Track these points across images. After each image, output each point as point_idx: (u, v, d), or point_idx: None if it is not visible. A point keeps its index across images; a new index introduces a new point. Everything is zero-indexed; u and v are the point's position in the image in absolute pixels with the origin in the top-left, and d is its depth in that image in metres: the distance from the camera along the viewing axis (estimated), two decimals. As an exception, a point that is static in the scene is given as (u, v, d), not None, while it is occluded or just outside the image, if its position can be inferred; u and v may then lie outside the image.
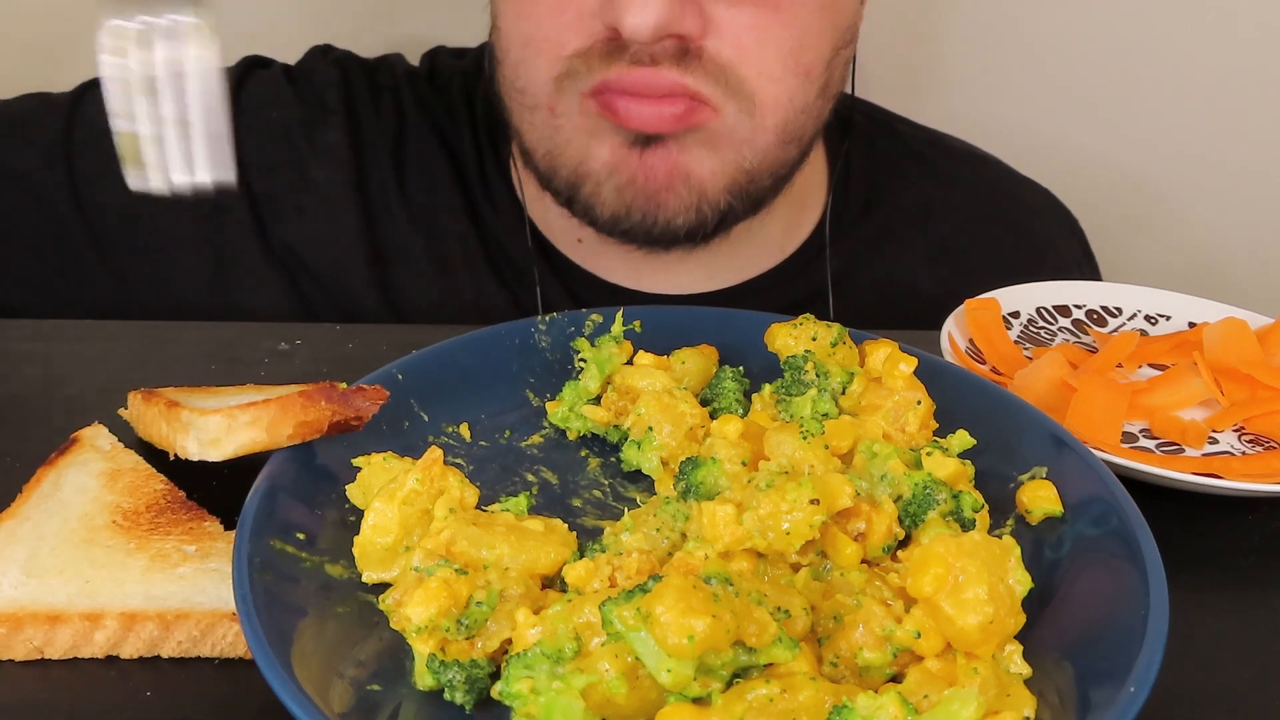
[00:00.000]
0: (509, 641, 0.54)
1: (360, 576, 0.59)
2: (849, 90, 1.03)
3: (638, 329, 0.77)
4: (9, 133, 1.02)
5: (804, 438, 0.62)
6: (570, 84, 0.86)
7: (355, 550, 0.59)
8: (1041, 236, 1.15)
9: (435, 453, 0.60)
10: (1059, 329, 0.91)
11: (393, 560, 0.59)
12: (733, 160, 0.88)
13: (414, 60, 1.10)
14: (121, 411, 0.74)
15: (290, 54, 1.08)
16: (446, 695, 0.52)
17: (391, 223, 1.01)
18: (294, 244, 1.01)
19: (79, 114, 1.01)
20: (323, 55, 1.08)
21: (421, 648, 0.53)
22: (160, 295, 1.01)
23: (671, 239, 0.91)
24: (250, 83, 1.04)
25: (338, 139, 1.02)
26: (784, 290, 1.03)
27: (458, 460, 0.69)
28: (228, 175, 0.61)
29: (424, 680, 0.53)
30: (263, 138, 1.01)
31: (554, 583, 0.59)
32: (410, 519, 0.59)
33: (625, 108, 0.84)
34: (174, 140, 0.59)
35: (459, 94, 1.05)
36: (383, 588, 0.58)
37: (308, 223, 1.01)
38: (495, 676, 0.54)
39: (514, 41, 0.89)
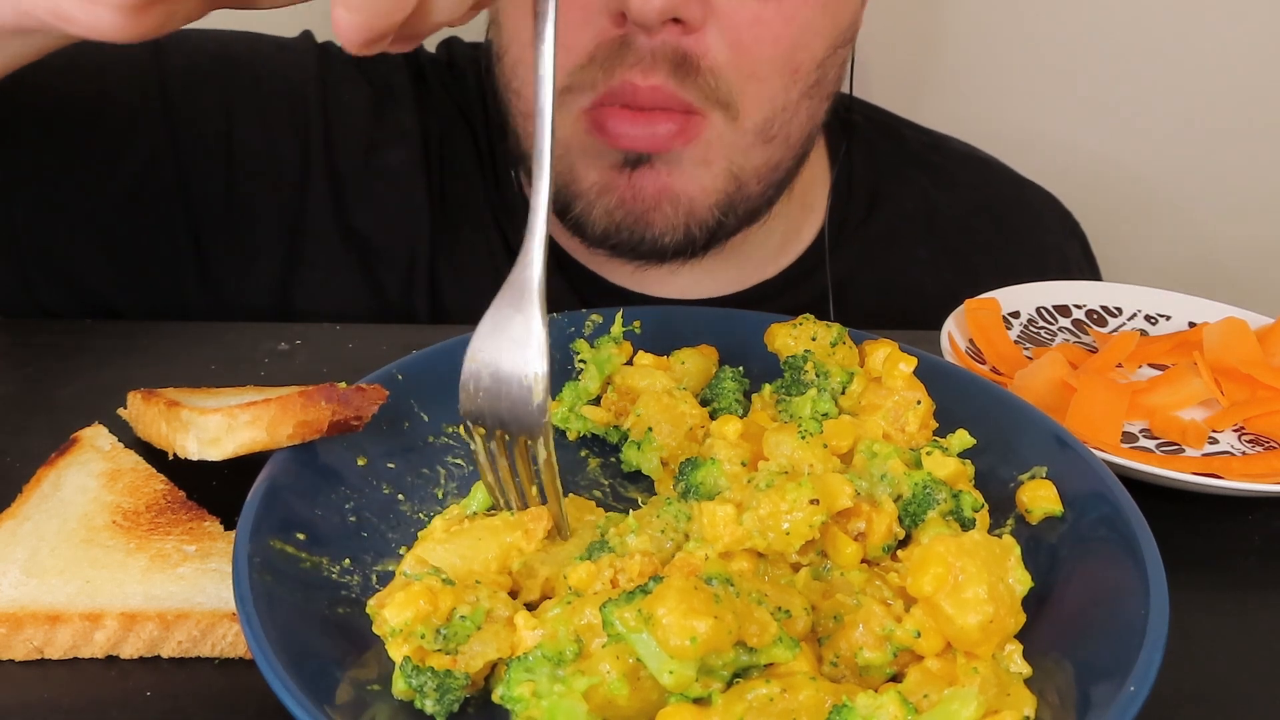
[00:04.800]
0: (492, 666, 0.53)
1: (359, 576, 0.59)
2: (847, 91, 1.02)
3: (637, 329, 0.77)
4: (97, 96, 0.96)
5: (802, 438, 0.62)
6: (569, 99, 0.85)
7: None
8: (1043, 239, 1.15)
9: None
10: (1059, 329, 0.91)
11: None
12: (724, 170, 0.88)
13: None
14: (121, 411, 0.74)
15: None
16: (417, 703, 0.51)
17: (436, 213, 1.01)
18: (364, 229, 1.00)
19: (167, 64, 0.97)
20: None
21: (396, 652, 0.52)
22: (237, 288, 0.99)
23: (660, 255, 0.91)
24: (325, 59, 1.02)
25: (411, 124, 1.01)
26: (789, 295, 1.03)
27: (458, 460, 0.69)
28: None
29: (398, 686, 0.52)
30: (342, 117, 1.00)
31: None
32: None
33: (616, 128, 0.84)
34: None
35: (474, 85, 1.05)
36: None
37: (381, 208, 1.00)
38: (472, 699, 0.53)
39: (515, 39, 0.88)
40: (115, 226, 0.96)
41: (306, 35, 1.05)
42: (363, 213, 0.99)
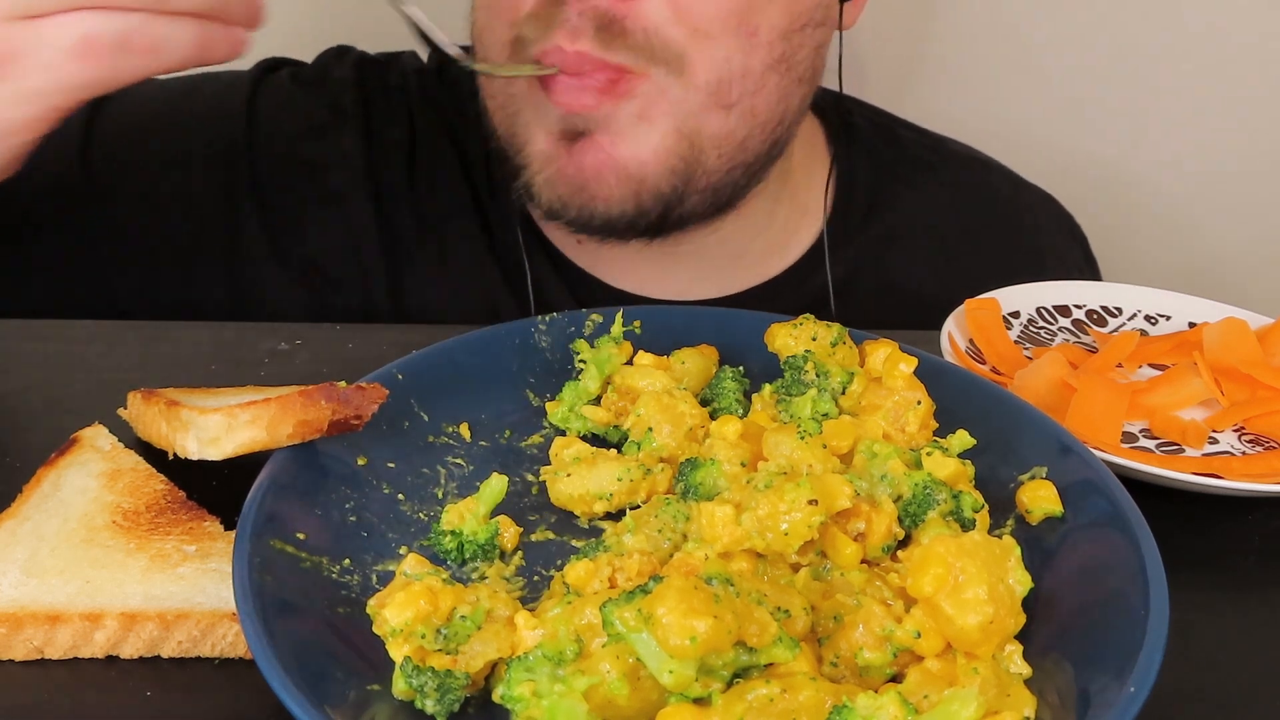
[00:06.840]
0: (492, 665, 0.53)
1: (359, 576, 0.59)
2: (837, 89, 1.02)
3: (637, 330, 0.77)
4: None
5: (802, 438, 0.62)
6: (521, 50, 0.85)
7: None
8: (1043, 241, 1.15)
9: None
10: (1059, 329, 0.91)
11: None
12: (671, 130, 0.86)
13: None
14: (121, 411, 0.74)
15: (294, 48, 1.07)
16: (417, 703, 0.51)
17: (404, 225, 1.01)
18: (313, 255, 1.00)
19: (101, 104, 0.98)
20: (338, 58, 1.07)
21: (396, 652, 0.52)
22: (180, 299, 0.99)
23: (611, 230, 0.90)
24: (263, 91, 1.03)
25: (354, 144, 1.01)
26: (787, 297, 1.03)
27: (458, 460, 0.69)
28: None
29: (398, 686, 0.52)
30: (277, 152, 1.00)
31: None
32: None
33: (554, 86, 0.84)
34: None
35: (467, 91, 1.04)
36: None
37: (327, 233, 1.00)
38: (472, 699, 0.53)
39: (478, 6, 0.89)
40: (44, 265, 0.98)
41: (254, 68, 1.05)
42: (304, 239, 1.00)
